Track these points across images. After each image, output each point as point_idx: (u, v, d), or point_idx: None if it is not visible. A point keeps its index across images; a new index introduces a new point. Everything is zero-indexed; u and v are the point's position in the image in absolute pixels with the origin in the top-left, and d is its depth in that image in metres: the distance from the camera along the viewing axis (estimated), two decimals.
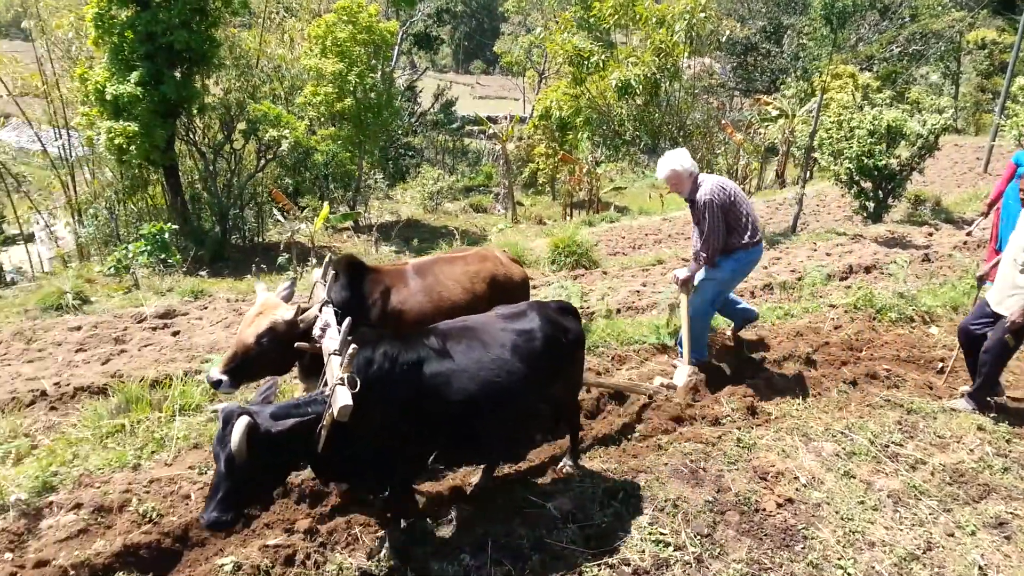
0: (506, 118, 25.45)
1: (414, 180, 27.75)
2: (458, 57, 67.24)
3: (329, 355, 3.24)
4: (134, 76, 14.81)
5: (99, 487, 4.12)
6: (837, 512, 3.93)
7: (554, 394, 3.95)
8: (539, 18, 41.08)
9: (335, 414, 2.88)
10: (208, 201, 18.25)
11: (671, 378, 5.54)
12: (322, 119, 21.44)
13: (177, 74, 15.61)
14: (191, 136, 18.07)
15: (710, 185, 5.27)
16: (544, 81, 37.04)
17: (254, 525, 3.94)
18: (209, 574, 3.44)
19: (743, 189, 6.92)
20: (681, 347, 5.68)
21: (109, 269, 11.92)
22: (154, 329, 8.20)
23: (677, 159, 5.32)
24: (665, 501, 3.92)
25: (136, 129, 14.78)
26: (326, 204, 15.63)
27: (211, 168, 18.33)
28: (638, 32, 26.23)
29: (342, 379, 2.94)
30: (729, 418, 5.14)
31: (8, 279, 17.71)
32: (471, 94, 52.13)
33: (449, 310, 4.47)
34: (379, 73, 21.39)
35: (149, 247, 11.98)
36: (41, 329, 8.19)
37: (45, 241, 24.57)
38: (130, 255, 11.70)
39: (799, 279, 9.11)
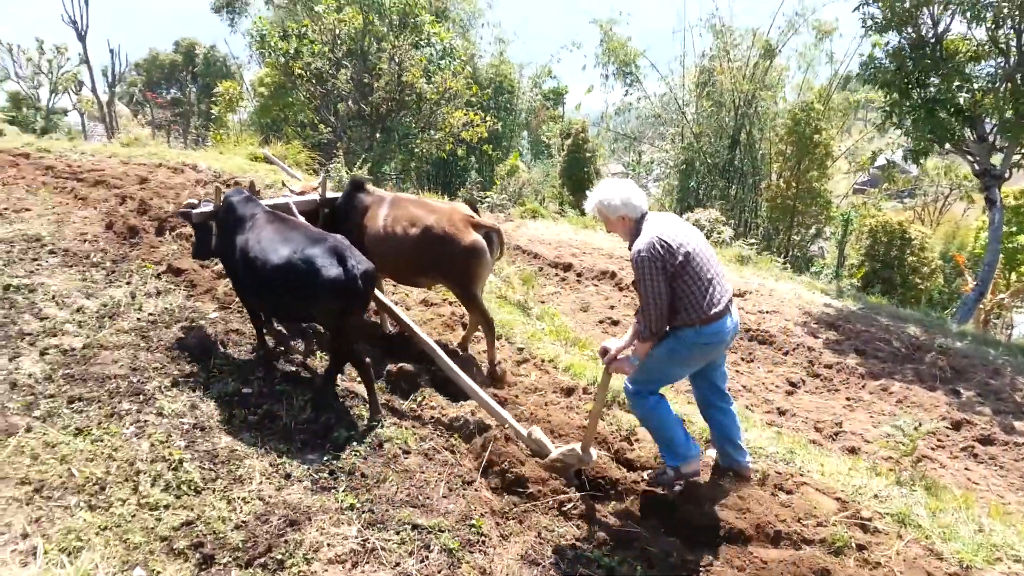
0: None
1: None
2: None
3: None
4: None
5: None
6: None
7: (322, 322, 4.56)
8: None
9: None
10: None
11: (561, 441, 4.16)
12: None
13: None
14: None
15: (648, 236, 3.47)
16: None
17: None
18: None
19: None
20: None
21: None
22: None
23: (603, 191, 3.66)
24: None
25: None
26: None
27: None
28: None
29: (190, 203, 4.74)
30: None
31: None
32: None
33: (382, 243, 5.03)
34: None
35: None
36: None
37: None
38: None
39: None
